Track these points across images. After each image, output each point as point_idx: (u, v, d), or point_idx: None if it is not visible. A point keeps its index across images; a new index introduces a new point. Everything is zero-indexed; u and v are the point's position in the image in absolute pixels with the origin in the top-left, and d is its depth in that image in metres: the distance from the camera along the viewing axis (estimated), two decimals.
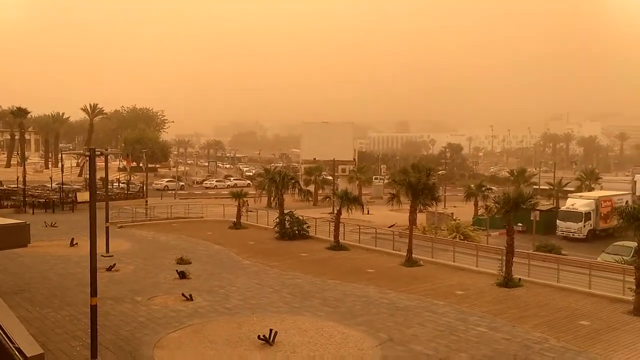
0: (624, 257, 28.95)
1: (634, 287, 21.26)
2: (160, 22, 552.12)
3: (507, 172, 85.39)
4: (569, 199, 50.91)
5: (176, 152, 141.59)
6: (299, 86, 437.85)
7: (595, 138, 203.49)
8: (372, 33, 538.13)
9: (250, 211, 46.14)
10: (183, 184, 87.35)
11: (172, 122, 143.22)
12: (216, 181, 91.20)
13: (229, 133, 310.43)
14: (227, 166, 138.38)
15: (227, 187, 70.94)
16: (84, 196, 49.61)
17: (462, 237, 38.09)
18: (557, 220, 47.99)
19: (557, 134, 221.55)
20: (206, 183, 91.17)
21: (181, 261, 28.32)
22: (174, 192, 75.06)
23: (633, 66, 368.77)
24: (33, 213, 47.47)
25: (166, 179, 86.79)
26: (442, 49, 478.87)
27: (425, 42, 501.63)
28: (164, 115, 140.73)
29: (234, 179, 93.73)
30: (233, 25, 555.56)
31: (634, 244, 23.13)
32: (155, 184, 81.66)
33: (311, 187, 64.01)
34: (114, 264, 26.99)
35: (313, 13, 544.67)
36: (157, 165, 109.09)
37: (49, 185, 60.46)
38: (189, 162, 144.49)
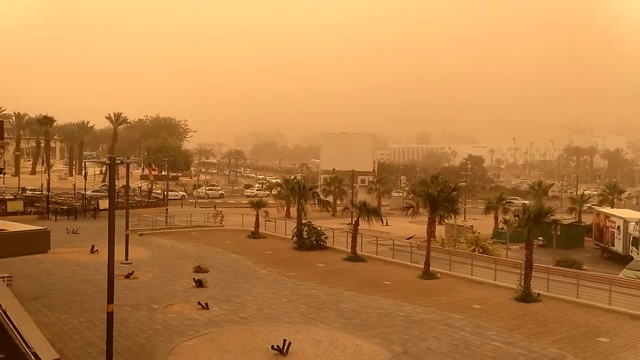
0: None
1: None
2: (183, 34, 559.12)
3: (529, 185, 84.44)
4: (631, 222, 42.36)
5: (198, 161, 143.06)
6: (320, 96, 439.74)
7: (621, 151, 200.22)
8: (394, 43, 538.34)
9: (269, 221, 46.34)
10: (222, 192, 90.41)
11: (195, 131, 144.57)
12: (257, 190, 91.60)
13: (249, 143, 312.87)
14: (260, 177, 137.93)
15: (267, 196, 71.61)
16: (106, 204, 50.27)
17: (481, 251, 37.73)
18: (636, 250, 40.21)
19: (580, 147, 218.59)
20: (247, 192, 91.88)
21: (198, 269, 28.52)
22: (214, 199, 79.90)
23: None
24: (56, 220, 48.24)
25: (207, 187, 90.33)
26: (463, 60, 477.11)
27: (447, 54, 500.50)
28: (187, 125, 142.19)
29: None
30: (254, 37, 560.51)
31: None
32: (197, 192, 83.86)
33: (330, 198, 64.06)
34: (133, 272, 27.28)
35: (332, 22, 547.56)
36: (178, 174, 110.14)
37: (80, 192, 61.22)
38: (212, 171, 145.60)
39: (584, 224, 56.22)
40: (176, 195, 76.49)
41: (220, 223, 48.83)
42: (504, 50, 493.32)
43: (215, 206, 55.89)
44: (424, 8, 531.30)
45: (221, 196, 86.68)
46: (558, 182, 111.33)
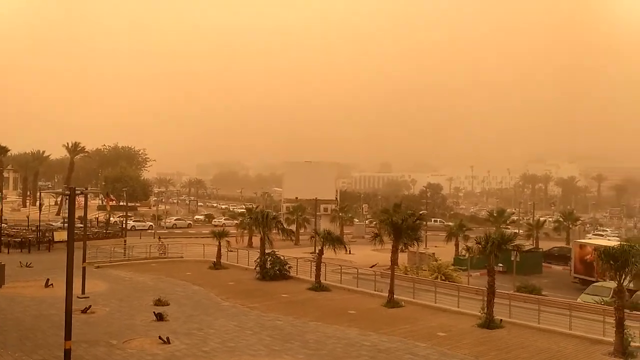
0: (603, 297, 29.14)
1: (614, 328, 21.27)
2: (142, 60, 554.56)
3: (487, 212, 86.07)
4: None
5: (157, 190, 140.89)
6: (282, 126, 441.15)
7: (574, 179, 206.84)
8: (355, 74, 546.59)
9: (231, 251, 45.73)
10: (190, 222, 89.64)
11: (154, 160, 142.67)
12: (224, 219, 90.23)
13: (210, 172, 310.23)
14: (223, 206, 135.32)
15: (235, 226, 70.95)
16: (61, 235, 48.81)
17: (443, 278, 37.98)
18: None
19: (536, 175, 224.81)
20: (215, 221, 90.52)
21: (159, 302, 27.81)
22: (181, 229, 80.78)
23: (608, 109, 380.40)
24: (8, 252, 46.44)
25: (174, 218, 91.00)
26: (422, 92, 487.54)
27: (406, 84, 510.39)
28: (146, 154, 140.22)
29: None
30: (213, 65, 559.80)
31: (613, 285, 23.31)
32: (164, 222, 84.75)
33: (293, 227, 63.74)
34: (90, 306, 26.39)
35: (292, 53, 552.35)
36: (137, 204, 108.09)
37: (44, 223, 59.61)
38: (174, 201, 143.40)
39: (541, 250, 57.48)
40: (144, 226, 75.50)
41: (164, 255, 47.80)
42: (462, 80, 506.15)
43: (159, 237, 55.00)
44: (385, 35, 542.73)
45: (189, 226, 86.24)
46: (515, 210, 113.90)
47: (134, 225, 73.49)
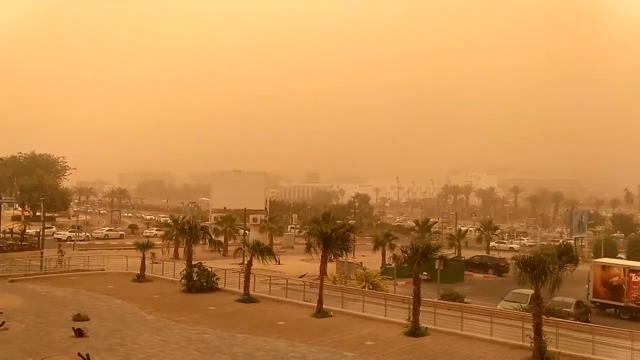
0: (522, 304, 30.43)
1: (532, 333, 22.26)
2: (63, 67, 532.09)
3: (413, 222, 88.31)
4: None
5: (77, 200, 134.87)
6: (209, 136, 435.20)
7: (493, 190, 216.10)
8: (284, 85, 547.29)
9: (156, 263, 44.39)
10: (122, 233, 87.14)
11: (74, 169, 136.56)
12: (156, 230, 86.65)
13: (134, 181, 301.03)
14: (148, 217, 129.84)
15: (160, 237, 68.52)
16: None
17: (371, 287, 38.50)
18: None
19: (457, 186, 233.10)
20: (146, 232, 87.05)
21: (78, 317, 26.58)
22: (112, 240, 78.69)
23: (524, 123, 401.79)
24: None
25: (106, 228, 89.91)
26: (347, 106, 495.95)
27: (332, 98, 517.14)
28: (65, 162, 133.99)
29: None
30: (138, 74, 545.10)
31: (531, 292, 24.40)
32: (96, 232, 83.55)
33: (221, 237, 62.78)
34: (3, 322, 24.87)
35: (222, 62, 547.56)
36: (55, 215, 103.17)
37: None
38: (102, 211, 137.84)
39: (463, 258, 59.54)
40: (80, 237, 72.29)
41: (61, 265, 45.81)
42: (384, 96, 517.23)
43: (59, 245, 52.71)
44: (311, 50, 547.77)
45: (121, 236, 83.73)
46: (438, 219, 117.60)
47: (69, 236, 72.33)
